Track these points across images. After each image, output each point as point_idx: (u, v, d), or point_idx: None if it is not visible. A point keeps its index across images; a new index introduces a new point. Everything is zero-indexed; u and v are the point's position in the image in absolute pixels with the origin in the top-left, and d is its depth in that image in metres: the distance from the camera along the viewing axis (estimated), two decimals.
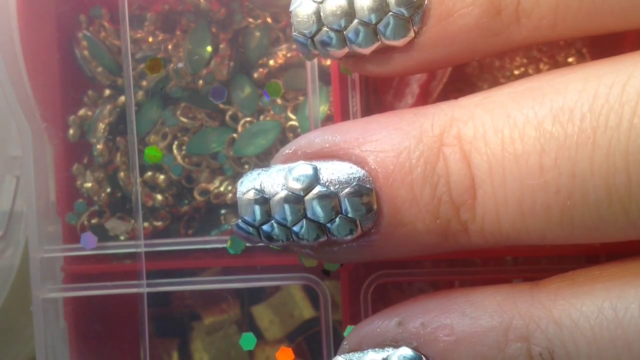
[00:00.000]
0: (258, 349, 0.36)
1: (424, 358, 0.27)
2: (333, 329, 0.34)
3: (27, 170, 0.35)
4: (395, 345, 0.27)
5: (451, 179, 0.26)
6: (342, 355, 0.28)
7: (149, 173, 0.36)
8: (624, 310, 0.25)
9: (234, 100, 0.36)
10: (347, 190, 0.26)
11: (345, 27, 0.27)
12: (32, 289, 0.35)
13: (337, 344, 0.32)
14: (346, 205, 0.26)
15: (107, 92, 0.37)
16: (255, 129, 0.36)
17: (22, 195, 0.41)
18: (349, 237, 0.27)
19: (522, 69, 0.36)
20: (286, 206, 0.27)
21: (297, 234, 0.27)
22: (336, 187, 0.26)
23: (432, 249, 0.27)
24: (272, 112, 0.36)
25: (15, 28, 0.35)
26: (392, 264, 0.34)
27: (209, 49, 0.36)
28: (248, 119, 0.36)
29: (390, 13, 0.27)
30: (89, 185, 0.37)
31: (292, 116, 0.36)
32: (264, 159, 0.36)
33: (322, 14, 0.27)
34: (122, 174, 0.36)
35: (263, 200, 0.27)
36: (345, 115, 0.33)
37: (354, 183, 0.26)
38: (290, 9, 0.28)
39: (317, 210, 0.26)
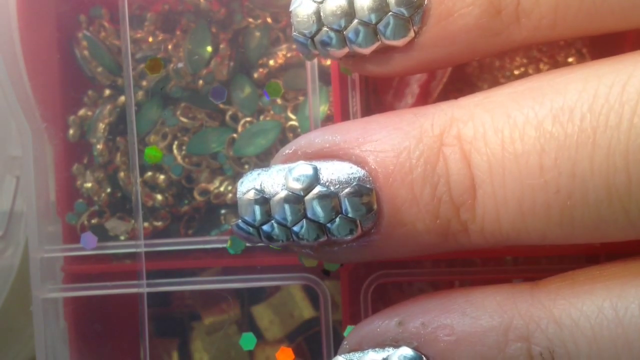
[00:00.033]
0: (258, 349, 0.36)
1: (424, 358, 0.27)
2: (333, 329, 0.34)
3: (27, 170, 0.35)
4: (396, 345, 0.27)
5: (451, 179, 0.26)
6: (342, 355, 0.28)
7: (149, 173, 0.36)
8: (624, 309, 0.25)
9: (234, 100, 0.36)
10: (347, 190, 0.26)
11: (345, 27, 0.27)
12: (32, 289, 0.35)
13: (337, 344, 0.32)
14: (346, 205, 0.26)
15: (107, 92, 0.37)
16: (255, 129, 0.36)
17: (22, 195, 0.41)
18: (349, 237, 0.27)
19: (522, 69, 0.36)
20: (286, 206, 0.27)
21: (297, 234, 0.27)
22: (336, 187, 0.26)
23: (432, 249, 0.27)
24: (272, 112, 0.36)
25: (15, 28, 0.35)
26: (392, 264, 0.34)
27: (209, 49, 0.36)
28: (248, 119, 0.36)
29: (390, 13, 0.27)
30: (89, 185, 0.37)
31: (292, 116, 0.36)
32: (264, 159, 0.36)
33: (322, 14, 0.27)
34: (122, 174, 0.36)
35: (263, 200, 0.27)
36: (345, 115, 0.33)
37: (354, 183, 0.26)
38: (290, 9, 0.28)
39: (317, 210, 0.26)
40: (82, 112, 0.37)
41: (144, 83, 0.36)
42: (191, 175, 0.36)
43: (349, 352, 0.28)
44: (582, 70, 0.25)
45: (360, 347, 0.28)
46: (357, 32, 0.27)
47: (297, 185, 0.26)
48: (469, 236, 0.26)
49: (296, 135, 0.35)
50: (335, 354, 0.28)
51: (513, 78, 0.36)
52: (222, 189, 0.36)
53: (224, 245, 0.33)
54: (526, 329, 0.26)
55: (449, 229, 0.26)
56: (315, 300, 0.36)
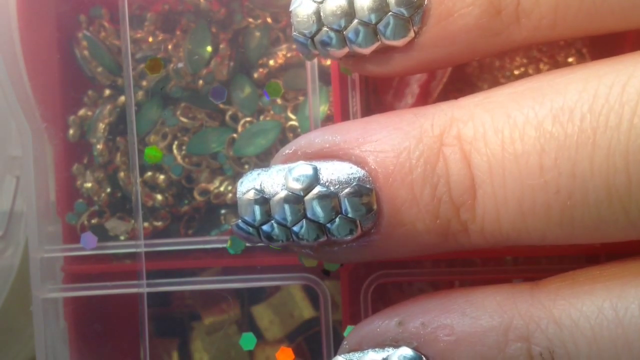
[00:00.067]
0: (258, 349, 0.36)
1: (424, 358, 0.27)
2: (333, 329, 0.34)
3: (27, 170, 0.35)
4: (396, 345, 0.27)
5: (451, 179, 0.26)
6: (342, 355, 0.28)
7: (149, 173, 0.36)
8: (624, 310, 0.25)
9: (234, 100, 0.36)
10: (347, 190, 0.26)
11: (345, 27, 0.27)
12: (32, 289, 0.35)
13: (337, 344, 0.32)
14: (346, 205, 0.26)
15: (107, 92, 0.37)
16: (255, 129, 0.36)
17: (22, 195, 0.41)
18: (349, 237, 0.27)
19: (522, 69, 0.36)
20: (286, 206, 0.27)
21: (297, 234, 0.27)
22: (336, 187, 0.26)
23: (432, 249, 0.27)
24: (272, 112, 0.36)
25: (15, 28, 0.35)
26: (392, 264, 0.34)
27: (209, 49, 0.36)
28: (248, 119, 0.36)
29: (390, 13, 0.27)
30: (89, 185, 0.37)
31: (292, 116, 0.36)
32: (264, 159, 0.36)
33: (322, 14, 0.27)
34: (122, 174, 0.36)
35: (263, 200, 0.27)
36: (345, 115, 0.33)
37: (354, 183, 0.26)
38: (290, 9, 0.28)
39: (317, 211, 0.26)
40: (82, 112, 0.37)
41: (144, 83, 0.36)
42: (191, 175, 0.36)
43: (348, 352, 0.28)
44: (582, 71, 0.25)
45: (360, 347, 0.28)
46: (357, 32, 0.27)
47: (297, 185, 0.26)
48: (469, 236, 0.26)
49: (296, 135, 0.35)
50: (335, 354, 0.28)
51: (513, 78, 0.36)
52: (222, 189, 0.36)
53: (224, 245, 0.33)
54: (526, 329, 0.26)
55: (449, 229, 0.26)
56: (315, 300, 0.36)
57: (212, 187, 0.36)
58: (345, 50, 0.28)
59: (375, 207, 0.26)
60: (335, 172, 0.27)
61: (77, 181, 0.37)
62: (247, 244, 0.33)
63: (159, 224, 0.36)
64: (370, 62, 0.28)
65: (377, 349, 0.27)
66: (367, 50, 0.27)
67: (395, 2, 0.26)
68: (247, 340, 0.33)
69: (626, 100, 0.24)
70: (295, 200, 0.27)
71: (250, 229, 0.27)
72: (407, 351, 0.27)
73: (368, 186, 0.26)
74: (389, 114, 0.28)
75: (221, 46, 0.36)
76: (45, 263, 0.35)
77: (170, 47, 0.36)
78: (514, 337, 0.26)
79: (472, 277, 0.34)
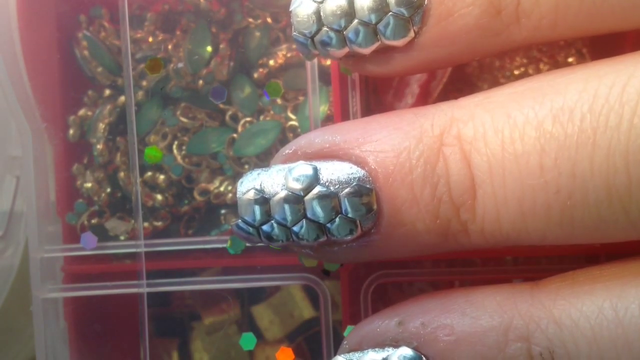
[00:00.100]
0: (258, 349, 0.36)
1: (424, 358, 0.27)
2: (333, 329, 0.34)
3: (27, 170, 0.35)
4: (396, 345, 0.27)
5: (451, 179, 0.26)
6: (342, 355, 0.28)
7: (149, 173, 0.36)
8: (624, 310, 0.25)
9: (234, 100, 0.36)
10: (347, 190, 0.26)
11: (345, 27, 0.27)
12: (32, 289, 0.35)
13: (337, 344, 0.32)
14: (346, 205, 0.26)
15: (107, 92, 0.37)
16: (255, 129, 0.36)
17: (22, 195, 0.41)
18: (349, 237, 0.27)
19: (522, 69, 0.36)
20: (286, 206, 0.27)
21: (297, 234, 0.27)
22: (336, 187, 0.26)
23: (432, 249, 0.27)
24: (272, 112, 0.36)
25: (15, 28, 0.35)
26: (392, 264, 0.34)
27: (209, 49, 0.36)
28: (248, 119, 0.36)
29: (390, 13, 0.27)
30: (89, 185, 0.37)
31: (292, 116, 0.36)
32: (264, 159, 0.36)
33: (322, 13, 0.27)
34: (122, 174, 0.36)
35: (263, 200, 0.27)
36: (345, 115, 0.33)
37: (354, 183, 0.26)
38: (290, 9, 0.28)
39: (317, 211, 0.26)
40: (82, 112, 0.37)
41: (144, 83, 0.36)
42: (191, 175, 0.36)
43: (348, 352, 0.28)
44: (582, 71, 0.25)
45: (360, 347, 0.28)
46: (357, 32, 0.27)
47: (297, 185, 0.26)
48: (469, 236, 0.26)
49: (296, 135, 0.35)
50: (335, 354, 0.28)
51: (513, 78, 0.36)
52: (222, 189, 0.36)
53: (224, 245, 0.33)
54: (526, 329, 0.26)
55: (449, 229, 0.26)
56: (315, 300, 0.36)
57: (212, 187, 0.36)
58: (345, 50, 0.28)
59: (375, 207, 0.26)
60: (335, 172, 0.27)
61: (77, 181, 0.37)
62: (247, 244, 0.33)
63: (159, 224, 0.36)
64: (370, 62, 0.28)
65: (377, 349, 0.27)
66: (367, 50, 0.27)
67: (396, 2, 0.26)
68: (247, 340, 0.33)
69: (626, 100, 0.24)
70: (295, 200, 0.27)
71: (250, 229, 0.27)
72: (407, 351, 0.27)
73: (368, 186, 0.26)
74: (389, 114, 0.28)
75: (221, 46, 0.36)
76: (45, 263, 0.35)
77: (170, 47, 0.36)
78: (514, 337, 0.26)
79: (472, 277, 0.34)
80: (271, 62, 0.36)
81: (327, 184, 0.26)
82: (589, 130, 0.24)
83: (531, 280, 0.27)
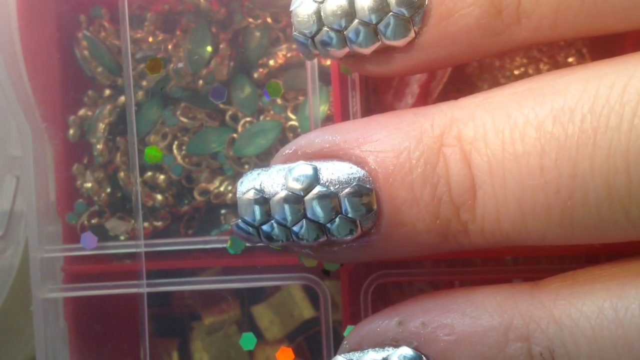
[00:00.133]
0: (258, 349, 0.36)
1: (424, 358, 0.27)
2: (333, 329, 0.34)
3: (27, 170, 0.35)
4: (396, 344, 0.27)
5: (451, 180, 0.26)
6: (343, 355, 0.28)
7: (149, 173, 0.36)
8: (625, 310, 0.25)
9: (234, 100, 0.36)
10: (347, 190, 0.26)
11: (346, 27, 0.27)
12: (32, 289, 0.35)
13: (337, 344, 0.32)
14: (346, 205, 0.26)
15: (107, 92, 0.37)
16: (255, 129, 0.36)
17: (22, 195, 0.41)
18: (349, 237, 0.27)
19: (522, 69, 0.36)
20: (286, 206, 0.27)
21: (297, 234, 0.27)
22: (336, 187, 0.26)
23: (432, 249, 0.27)
24: (272, 112, 0.36)
25: (15, 28, 0.35)
26: (392, 264, 0.34)
27: (209, 49, 0.36)
28: (248, 119, 0.36)
29: (391, 13, 0.27)
30: (89, 185, 0.37)
31: (292, 116, 0.36)
32: (264, 159, 0.36)
33: (322, 13, 0.27)
34: (122, 174, 0.36)
35: (263, 200, 0.27)
36: (345, 115, 0.33)
37: (354, 183, 0.26)
38: (290, 9, 0.28)
39: (317, 210, 0.26)
40: (82, 112, 0.37)
41: (144, 83, 0.36)
42: (191, 175, 0.36)
43: (349, 352, 0.28)
44: (583, 71, 0.25)
45: (360, 347, 0.28)
46: (357, 32, 0.27)
47: (297, 185, 0.26)
48: (469, 236, 0.26)
49: (296, 135, 0.35)
50: (335, 354, 0.28)
51: (513, 78, 0.36)
52: (222, 189, 0.36)
53: (224, 245, 0.33)
54: (526, 329, 0.26)
55: (449, 229, 0.26)
56: (315, 300, 0.36)
57: (212, 187, 0.36)
58: (346, 50, 0.28)
59: (375, 207, 0.26)
60: (335, 172, 0.27)
61: (77, 181, 0.37)
62: (247, 244, 0.33)
63: (159, 224, 0.36)
64: (370, 62, 0.28)
65: (377, 349, 0.27)
66: (367, 50, 0.27)
67: (396, 2, 0.26)
68: (247, 340, 0.33)
69: (627, 101, 0.24)
70: (295, 200, 0.27)
71: (250, 229, 0.27)
72: (407, 351, 0.27)
73: (368, 186, 0.26)
74: (389, 114, 0.28)
75: (221, 46, 0.36)
76: (45, 263, 0.35)
77: (170, 47, 0.36)
78: (514, 337, 0.26)
79: (472, 277, 0.34)
80: (271, 62, 0.36)
81: (327, 184, 0.26)
82: (590, 130, 0.24)
83: (531, 280, 0.27)
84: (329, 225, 0.27)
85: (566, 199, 0.24)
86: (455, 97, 0.28)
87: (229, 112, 0.36)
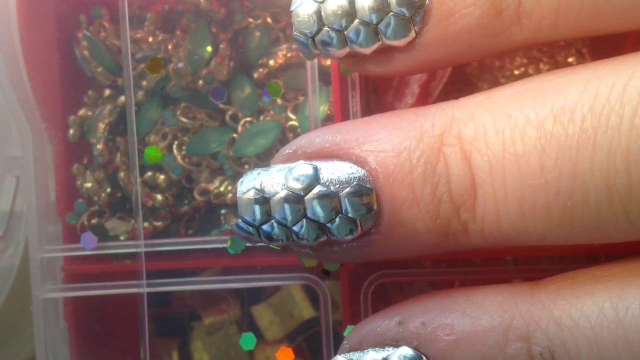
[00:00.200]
0: (258, 349, 0.36)
1: (424, 357, 0.27)
2: (333, 329, 0.34)
3: (27, 170, 0.35)
4: (396, 344, 0.27)
5: (452, 179, 0.26)
6: (343, 355, 0.28)
7: (149, 173, 0.36)
8: (625, 310, 0.25)
9: (234, 100, 0.36)
10: (347, 190, 0.26)
11: (346, 27, 0.27)
12: (32, 289, 0.35)
13: (337, 344, 0.32)
14: (346, 205, 0.26)
15: (107, 92, 0.37)
16: (255, 129, 0.36)
17: (22, 195, 0.41)
18: (349, 237, 0.27)
19: (522, 69, 0.36)
20: (286, 206, 0.27)
21: (297, 233, 0.27)
22: (336, 186, 0.26)
23: (432, 249, 0.27)
24: (272, 112, 0.36)
25: (15, 28, 0.35)
26: (392, 264, 0.34)
27: (209, 49, 0.36)
28: (248, 119, 0.36)
29: (391, 13, 0.27)
30: (89, 185, 0.37)
31: (292, 116, 0.36)
32: (264, 159, 0.36)
33: (323, 13, 0.27)
34: (122, 174, 0.36)
35: (263, 200, 0.27)
36: (345, 115, 0.33)
37: (354, 183, 0.26)
38: (291, 9, 0.28)
39: (317, 210, 0.26)
40: (82, 112, 0.37)
41: (144, 83, 0.36)
42: (191, 175, 0.36)
43: (349, 352, 0.28)
44: (583, 71, 0.25)
45: (360, 347, 0.28)
46: (357, 32, 0.27)
47: (297, 185, 0.26)
48: (469, 236, 0.26)
49: (296, 135, 0.35)
50: (335, 353, 0.28)
51: (513, 78, 0.36)
52: (222, 189, 0.36)
53: (224, 245, 0.33)
54: (526, 329, 0.26)
55: (449, 229, 0.26)
56: (315, 300, 0.36)
57: (212, 187, 0.36)
58: (346, 50, 0.28)
59: (375, 207, 0.26)
60: (335, 171, 0.27)
61: (77, 181, 0.37)
62: (247, 244, 0.33)
63: (159, 224, 0.36)
64: (370, 62, 0.28)
65: (377, 349, 0.27)
66: (367, 50, 0.27)
67: (397, 2, 0.26)
68: (247, 340, 0.33)
69: (627, 101, 0.24)
70: (296, 199, 0.27)
71: (250, 229, 0.27)
72: (407, 351, 0.27)
73: (368, 186, 0.26)
74: (389, 114, 0.28)
75: (221, 46, 0.36)
76: (45, 263, 0.35)
77: (170, 47, 0.36)
78: (514, 337, 0.26)
79: (472, 277, 0.34)
80: (271, 62, 0.36)
81: (327, 183, 0.26)
82: (590, 130, 0.24)
83: (531, 280, 0.27)
84: (329, 225, 0.27)
85: (566, 199, 0.25)
86: (455, 97, 0.28)
87: (229, 112, 0.36)
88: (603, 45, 0.35)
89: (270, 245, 0.28)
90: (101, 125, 0.36)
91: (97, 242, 0.35)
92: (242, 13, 0.36)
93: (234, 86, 0.36)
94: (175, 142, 0.36)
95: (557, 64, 0.36)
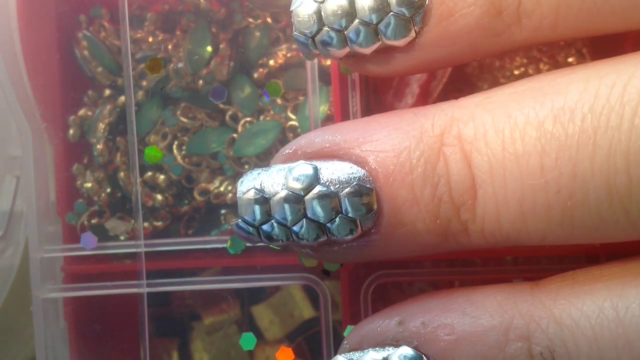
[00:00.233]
0: (258, 349, 0.36)
1: (424, 357, 0.27)
2: (333, 329, 0.34)
3: (27, 170, 0.35)
4: (396, 344, 0.27)
5: (452, 179, 0.26)
6: (343, 355, 0.28)
7: (149, 173, 0.36)
8: (625, 309, 0.25)
9: (234, 100, 0.36)
10: (347, 190, 0.26)
11: (346, 27, 0.27)
12: (32, 289, 0.35)
13: (337, 344, 0.32)
14: (346, 205, 0.26)
15: (107, 92, 0.37)
16: (255, 129, 0.36)
17: (22, 195, 0.41)
18: (349, 237, 0.27)
19: (522, 69, 0.36)
20: (286, 206, 0.27)
21: (297, 233, 0.27)
22: (336, 186, 0.26)
23: (432, 249, 0.27)
24: (272, 112, 0.36)
25: (15, 28, 0.35)
26: (392, 264, 0.34)
27: (209, 49, 0.36)
28: (248, 119, 0.36)
29: (391, 13, 0.27)
30: (89, 185, 0.37)
31: (292, 116, 0.36)
32: (264, 159, 0.36)
33: (323, 13, 0.27)
34: (122, 174, 0.36)
35: (263, 200, 0.27)
36: (345, 115, 0.33)
37: (354, 183, 0.26)
38: (291, 9, 0.28)
39: (317, 210, 0.26)
40: (82, 112, 0.37)
41: (144, 83, 0.36)
42: (191, 175, 0.36)
43: (349, 352, 0.28)
44: (583, 71, 0.25)
45: (360, 347, 0.28)
46: (357, 32, 0.27)
47: (297, 185, 0.26)
48: (469, 236, 0.26)
49: (296, 135, 0.35)
50: (335, 353, 0.28)
51: (513, 78, 0.36)
52: (222, 189, 0.36)
53: (224, 245, 0.33)
54: (527, 329, 0.26)
55: (449, 229, 0.26)
56: (315, 300, 0.36)
57: (212, 187, 0.36)
58: (346, 50, 0.28)
59: (375, 207, 0.26)
60: (335, 171, 0.27)
61: (77, 181, 0.37)
62: (247, 244, 0.33)
63: (159, 224, 0.36)
64: (370, 62, 0.28)
65: (377, 349, 0.27)
66: (367, 50, 0.27)
67: (397, 2, 0.26)
68: (247, 340, 0.33)
69: (627, 101, 0.24)
70: (296, 199, 0.27)
71: (250, 229, 0.27)
72: (407, 350, 0.27)
73: (368, 186, 0.26)
74: (389, 114, 0.28)
75: (221, 46, 0.36)
76: (45, 263, 0.35)
77: (170, 47, 0.36)
78: (515, 337, 0.26)
79: (472, 277, 0.34)
80: (271, 62, 0.36)
81: (327, 183, 0.26)
82: (590, 130, 0.24)
83: (531, 280, 0.27)
84: (329, 225, 0.27)
85: (566, 199, 0.25)
86: (455, 97, 0.28)
87: (229, 112, 0.36)
88: (603, 45, 0.35)
89: (270, 245, 0.28)
90: (101, 125, 0.36)
91: (97, 242, 0.35)
92: (242, 13, 0.36)
93: (234, 86, 0.36)
94: (175, 142, 0.36)
95: (557, 64, 0.36)
